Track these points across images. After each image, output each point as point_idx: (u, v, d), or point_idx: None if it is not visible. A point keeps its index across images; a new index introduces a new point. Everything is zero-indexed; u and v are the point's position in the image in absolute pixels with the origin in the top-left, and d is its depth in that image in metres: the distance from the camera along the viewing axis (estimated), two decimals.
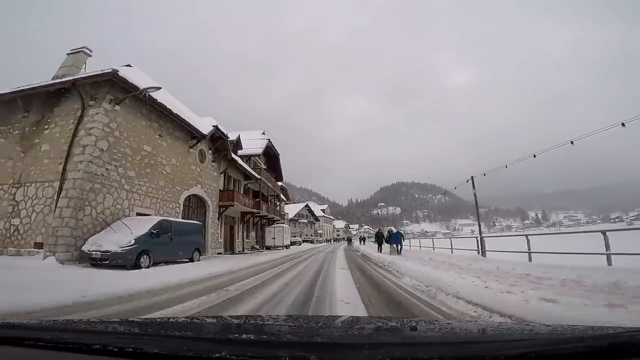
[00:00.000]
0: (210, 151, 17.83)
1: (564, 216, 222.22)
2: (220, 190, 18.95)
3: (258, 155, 27.67)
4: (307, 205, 74.94)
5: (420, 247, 19.87)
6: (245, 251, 23.39)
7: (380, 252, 17.10)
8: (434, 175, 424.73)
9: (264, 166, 28.80)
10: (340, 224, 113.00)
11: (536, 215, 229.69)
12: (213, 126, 17.06)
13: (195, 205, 16.68)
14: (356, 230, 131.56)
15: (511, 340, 0.93)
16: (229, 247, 21.13)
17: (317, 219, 76.51)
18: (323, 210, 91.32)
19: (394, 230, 17.53)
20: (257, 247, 27.42)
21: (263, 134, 30.10)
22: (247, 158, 25.43)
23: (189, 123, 14.90)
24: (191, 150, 15.91)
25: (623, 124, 7.18)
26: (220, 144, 18.27)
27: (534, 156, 10.23)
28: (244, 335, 0.95)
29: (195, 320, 1.55)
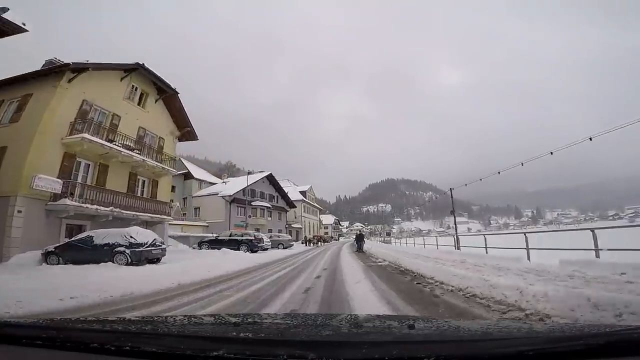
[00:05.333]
0: None
1: (557, 214, 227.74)
2: None
3: None
4: (270, 177, 42.00)
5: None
6: None
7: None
8: (424, 172, 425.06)
9: None
10: (329, 218, 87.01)
11: (532, 212, 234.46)
12: None
13: None
14: (346, 228, 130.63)
15: (509, 338, 0.96)
16: None
17: (291, 204, 47.27)
18: (303, 193, 57.00)
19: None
20: None
21: None
22: None
23: None
24: None
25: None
26: None
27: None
28: (242, 334, 0.97)
29: (193, 318, 1.56)
